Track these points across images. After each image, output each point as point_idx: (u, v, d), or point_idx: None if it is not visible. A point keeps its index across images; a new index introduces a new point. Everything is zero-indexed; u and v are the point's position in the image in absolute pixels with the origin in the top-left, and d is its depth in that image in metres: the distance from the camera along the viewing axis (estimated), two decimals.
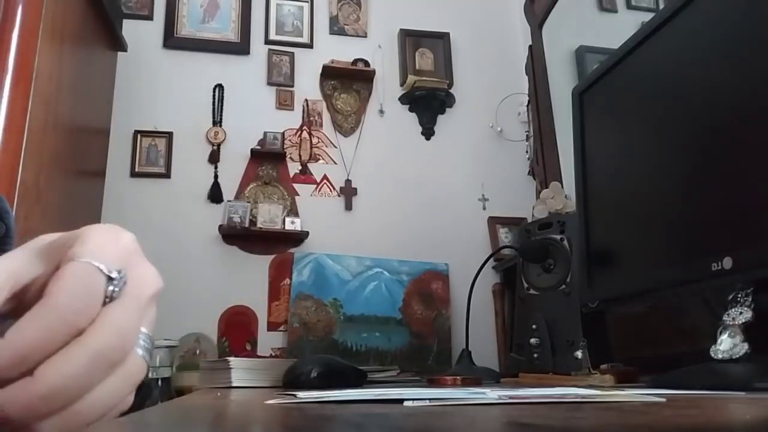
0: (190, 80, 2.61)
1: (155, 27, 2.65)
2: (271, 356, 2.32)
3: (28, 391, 0.26)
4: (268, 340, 2.39)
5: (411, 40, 2.85)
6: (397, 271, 2.52)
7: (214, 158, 2.54)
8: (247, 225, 2.45)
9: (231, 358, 1.06)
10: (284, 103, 2.68)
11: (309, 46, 2.78)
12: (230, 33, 2.71)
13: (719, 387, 0.65)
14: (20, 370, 0.26)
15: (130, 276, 0.31)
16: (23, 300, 0.30)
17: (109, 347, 0.28)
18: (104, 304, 0.29)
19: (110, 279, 0.30)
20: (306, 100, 2.70)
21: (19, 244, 0.33)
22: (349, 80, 2.76)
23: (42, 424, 0.27)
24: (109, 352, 0.28)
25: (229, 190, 2.52)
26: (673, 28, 0.91)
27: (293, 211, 2.54)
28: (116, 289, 0.30)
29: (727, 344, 0.74)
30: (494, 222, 2.67)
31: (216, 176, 2.52)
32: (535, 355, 1.23)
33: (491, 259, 1.72)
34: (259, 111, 2.64)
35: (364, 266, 2.50)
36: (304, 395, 0.60)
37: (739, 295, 0.75)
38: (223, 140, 2.57)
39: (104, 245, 0.31)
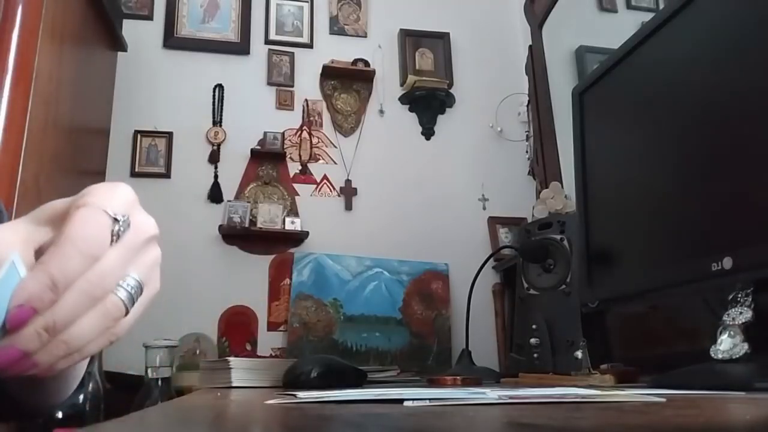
0: (190, 80, 2.61)
1: (155, 27, 2.65)
2: (271, 356, 2.32)
3: (36, 325, 0.31)
4: (268, 340, 2.39)
5: (411, 40, 2.85)
6: (397, 271, 2.52)
7: (214, 158, 2.54)
8: (247, 225, 2.45)
9: (231, 358, 1.06)
10: (284, 103, 2.68)
11: (309, 46, 2.78)
12: (230, 33, 2.71)
13: (719, 387, 0.65)
14: (51, 298, 0.32)
15: (132, 221, 0.36)
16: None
17: (91, 285, 0.33)
18: (112, 242, 0.34)
19: (116, 220, 0.35)
20: (306, 100, 2.70)
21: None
22: (349, 80, 2.76)
23: (39, 354, 0.32)
24: (91, 289, 0.33)
25: (229, 190, 2.52)
26: (673, 28, 0.91)
27: (293, 211, 2.54)
28: (121, 228, 0.35)
29: (727, 344, 0.74)
30: (494, 222, 2.67)
31: (216, 176, 2.52)
32: (535, 355, 1.23)
33: (491, 259, 1.72)
34: (259, 111, 2.64)
35: (364, 266, 2.50)
36: (304, 395, 0.60)
37: (739, 295, 0.75)
38: (223, 140, 2.57)
39: (108, 195, 0.36)
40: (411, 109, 2.79)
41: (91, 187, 0.36)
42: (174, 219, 2.43)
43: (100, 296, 0.34)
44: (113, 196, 0.36)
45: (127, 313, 0.36)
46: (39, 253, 0.34)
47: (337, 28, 2.84)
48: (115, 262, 0.35)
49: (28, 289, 0.31)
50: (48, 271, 0.32)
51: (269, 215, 2.48)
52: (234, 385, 1.02)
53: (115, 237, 0.34)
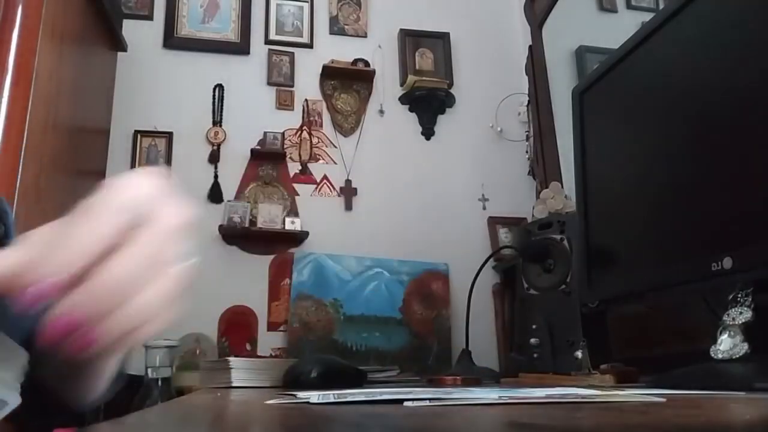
0: (190, 80, 2.61)
1: (155, 27, 2.65)
2: (271, 356, 2.32)
3: (93, 290, 0.30)
4: (268, 340, 2.39)
5: (411, 40, 2.85)
6: (397, 271, 2.52)
7: (214, 158, 2.54)
8: (247, 225, 2.45)
9: (231, 358, 1.06)
10: (284, 103, 2.68)
11: (309, 46, 2.78)
12: (230, 33, 2.71)
13: (719, 387, 0.65)
14: (73, 267, 0.30)
15: (161, 208, 0.34)
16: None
17: (146, 249, 0.32)
18: (138, 225, 0.33)
19: (140, 204, 0.33)
20: (306, 100, 2.70)
21: None
22: (349, 80, 2.76)
23: (101, 326, 0.31)
24: (148, 254, 0.32)
25: (229, 190, 2.52)
26: (673, 28, 0.91)
27: (293, 211, 2.54)
28: (148, 211, 0.33)
29: (727, 344, 0.74)
30: (494, 222, 2.67)
31: (216, 176, 2.52)
32: (535, 355, 1.23)
33: (491, 259, 1.72)
34: (259, 111, 2.64)
35: (364, 266, 2.50)
36: (304, 395, 0.60)
37: (739, 295, 0.75)
38: (223, 140, 2.57)
39: (135, 182, 0.34)
40: (411, 109, 2.79)
41: (120, 177, 0.35)
42: None
43: (157, 263, 0.33)
44: (142, 182, 0.35)
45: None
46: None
47: (337, 28, 2.84)
48: (164, 235, 0.33)
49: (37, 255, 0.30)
50: (82, 236, 0.31)
51: (269, 215, 2.48)
52: (234, 385, 1.02)
53: (141, 220, 0.33)
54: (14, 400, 0.33)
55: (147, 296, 0.32)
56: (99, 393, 0.54)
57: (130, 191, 0.34)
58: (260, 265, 2.47)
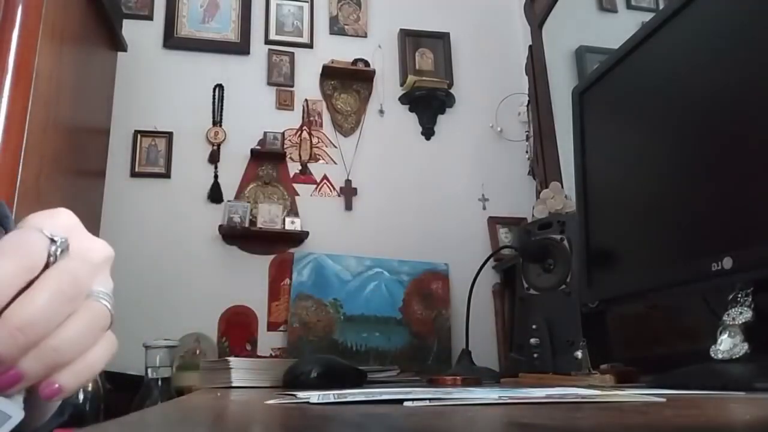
0: (190, 80, 2.61)
1: (155, 27, 2.65)
2: (271, 356, 2.32)
3: (6, 325, 0.30)
4: (268, 340, 2.39)
5: (411, 40, 2.85)
6: (397, 271, 2.52)
7: (214, 158, 2.54)
8: (247, 225, 2.44)
9: (231, 358, 1.06)
10: (284, 103, 2.68)
11: (309, 46, 2.78)
12: (230, 33, 2.71)
13: (719, 387, 0.65)
14: None
15: (74, 245, 0.34)
16: None
17: (61, 282, 0.32)
18: (49, 264, 0.33)
19: (52, 241, 0.33)
20: (306, 100, 2.70)
21: None
22: (349, 80, 2.76)
23: (24, 361, 0.31)
24: (63, 287, 0.32)
25: (229, 190, 2.52)
26: (673, 28, 0.91)
27: (293, 211, 2.54)
28: (59, 249, 0.33)
29: (727, 344, 0.74)
30: (494, 222, 2.67)
31: (216, 176, 2.52)
32: (535, 355, 1.23)
33: (491, 259, 1.72)
34: (259, 111, 2.64)
35: (364, 266, 2.50)
36: (304, 395, 0.60)
37: (739, 295, 0.75)
38: (223, 140, 2.57)
39: (44, 220, 0.35)
40: (411, 109, 2.79)
41: (29, 216, 0.36)
42: (174, 219, 2.43)
43: (73, 296, 0.33)
44: (50, 220, 0.35)
45: (112, 321, 0.35)
46: None
47: (337, 28, 2.84)
48: (79, 270, 0.33)
49: None
50: None
51: (269, 215, 2.48)
52: (234, 385, 1.02)
53: (53, 257, 0.33)
54: (18, 414, 0.33)
55: (67, 330, 0.32)
56: (39, 424, 0.54)
57: (49, 222, 0.34)
58: (260, 265, 2.47)
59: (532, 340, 1.24)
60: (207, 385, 1.10)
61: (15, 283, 0.31)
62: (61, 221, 0.36)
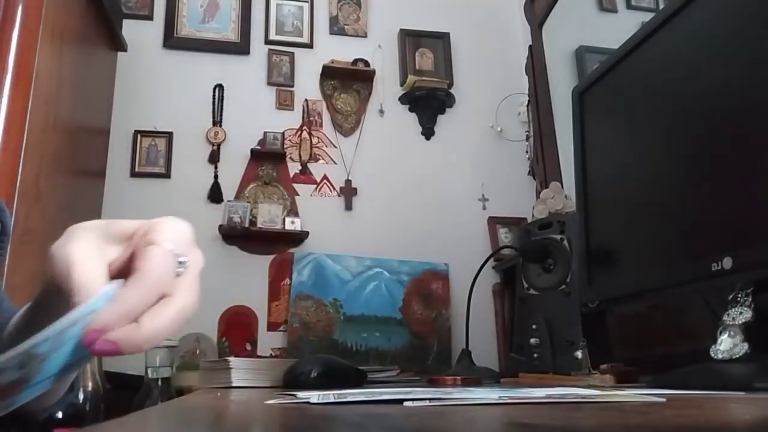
0: (190, 80, 2.61)
1: (155, 27, 2.65)
2: (271, 356, 2.32)
3: (138, 335, 0.37)
4: (268, 340, 2.39)
5: (411, 40, 2.85)
6: (397, 271, 2.52)
7: (214, 158, 2.54)
8: (247, 225, 2.44)
9: (231, 358, 1.06)
10: (284, 103, 2.68)
11: (309, 46, 2.78)
12: (230, 33, 2.71)
13: (719, 387, 0.65)
14: (126, 323, 0.37)
15: (190, 258, 0.42)
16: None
17: (187, 306, 0.40)
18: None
19: (180, 263, 0.41)
20: (306, 100, 2.70)
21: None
22: (349, 80, 2.76)
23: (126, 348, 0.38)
24: (187, 310, 0.40)
25: (229, 190, 2.52)
26: (673, 28, 0.91)
27: (293, 211, 2.54)
28: (183, 269, 0.41)
29: (727, 344, 0.74)
30: (494, 222, 2.67)
31: (216, 176, 2.52)
32: (535, 355, 1.23)
33: (491, 259, 1.72)
34: (259, 111, 2.64)
35: (364, 266, 2.50)
36: (304, 395, 0.60)
37: (739, 295, 0.75)
38: (223, 140, 2.57)
39: (175, 235, 0.42)
40: (411, 109, 2.79)
41: (157, 222, 0.42)
42: None
43: (192, 310, 0.40)
44: (178, 237, 0.42)
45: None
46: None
47: (337, 28, 2.84)
48: (195, 289, 0.41)
49: (108, 316, 0.36)
50: (127, 304, 0.37)
51: (269, 215, 2.48)
52: (234, 385, 1.02)
53: (176, 275, 0.40)
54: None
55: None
56: (53, 402, 0.60)
57: (175, 237, 0.41)
58: (260, 265, 2.47)
59: (532, 340, 1.24)
60: (207, 385, 1.10)
61: (149, 303, 0.38)
62: (185, 235, 0.43)
